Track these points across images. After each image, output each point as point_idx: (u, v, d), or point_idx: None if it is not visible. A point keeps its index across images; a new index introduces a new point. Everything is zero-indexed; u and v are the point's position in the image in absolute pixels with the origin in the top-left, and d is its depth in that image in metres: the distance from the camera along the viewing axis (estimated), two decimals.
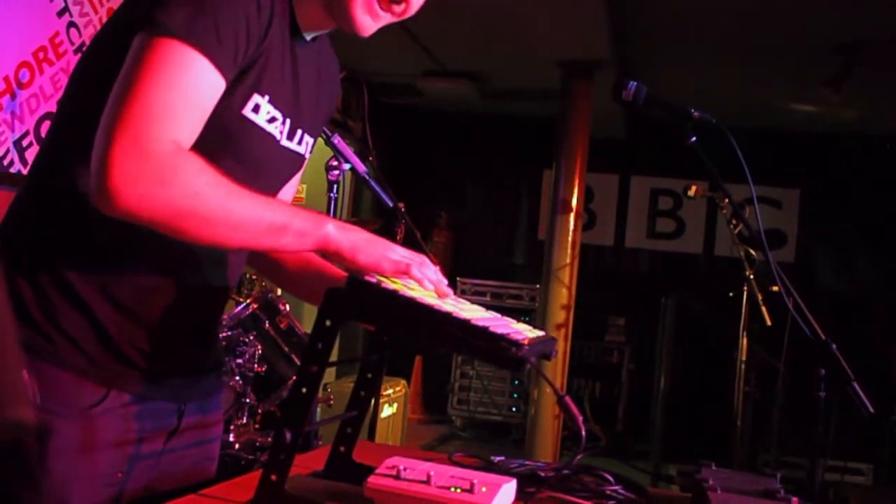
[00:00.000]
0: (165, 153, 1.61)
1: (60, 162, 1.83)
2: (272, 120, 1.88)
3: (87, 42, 5.64)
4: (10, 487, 1.75)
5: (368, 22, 1.92)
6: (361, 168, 4.12)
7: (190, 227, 1.66)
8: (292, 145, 2.00)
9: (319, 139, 3.39)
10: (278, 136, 1.92)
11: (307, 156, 2.11)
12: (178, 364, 1.96)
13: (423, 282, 1.82)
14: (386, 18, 1.93)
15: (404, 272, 1.81)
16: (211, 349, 2.12)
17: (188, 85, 1.65)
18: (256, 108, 1.82)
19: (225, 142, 1.80)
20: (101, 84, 1.72)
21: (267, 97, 1.84)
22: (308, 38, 1.98)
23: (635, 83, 2.61)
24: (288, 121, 1.94)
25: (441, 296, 1.85)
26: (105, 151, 1.58)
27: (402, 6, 1.92)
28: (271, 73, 1.83)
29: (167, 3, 1.65)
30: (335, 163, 4.10)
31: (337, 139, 3.61)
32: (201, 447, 2.09)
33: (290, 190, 2.29)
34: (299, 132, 2.00)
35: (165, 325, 1.88)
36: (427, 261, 1.88)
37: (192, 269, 1.91)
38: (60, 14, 5.44)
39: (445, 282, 1.89)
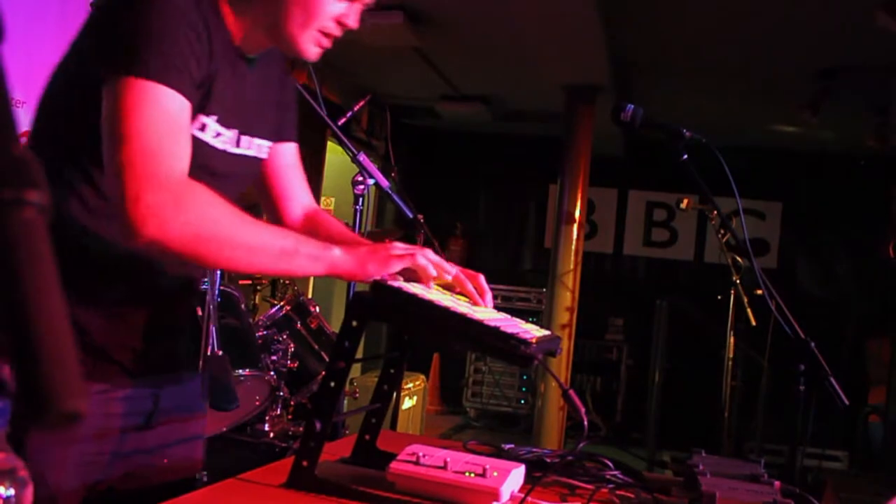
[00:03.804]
0: (177, 184, 1.62)
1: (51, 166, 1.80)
2: (217, 135, 1.85)
3: None
4: None
5: (315, 52, 1.92)
6: (384, 183, 4.12)
7: (210, 251, 1.66)
8: (243, 150, 1.96)
9: (346, 156, 3.40)
10: (227, 147, 1.89)
11: (263, 156, 2.07)
12: (149, 357, 1.91)
13: (426, 268, 1.82)
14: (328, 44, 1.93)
15: (410, 262, 1.80)
16: (179, 344, 2.07)
17: (169, 117, 1.64)
18: (203, 127, 1.79)
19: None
20: (72, 115, 1.75)
21: (214, 117, 1.82)
22: (251, 57, 1.96)
23: (632, 106, 2.60)
24: (235, 131, 1.91)
25: (443, 272, 1.86)
26: (122, 195, 1.58)
27: (341, 30, 1.92)
28: (218, 95, 1.81)
29: (130, 50, 1.64)
30: (360, 178, 4.09)
31: (362, 157, 3.60)
32: (185, 444, 2.06)
33: (304, 194, 2.26)
34: (246, 138, 1.96)
35: (135, 323, 1.86)
36: (425, 249, 1.86)
37: (159, 277, 1.89)
38: None
39: (446, 264, 1.89)
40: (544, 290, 8.80)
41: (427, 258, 1.83)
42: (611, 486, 1.87)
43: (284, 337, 4.35)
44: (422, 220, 4.17)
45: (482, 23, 7.03)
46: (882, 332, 8.54)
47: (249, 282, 5.17)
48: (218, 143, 1.86)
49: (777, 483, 1.77)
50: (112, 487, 1.87)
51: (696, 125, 2.49)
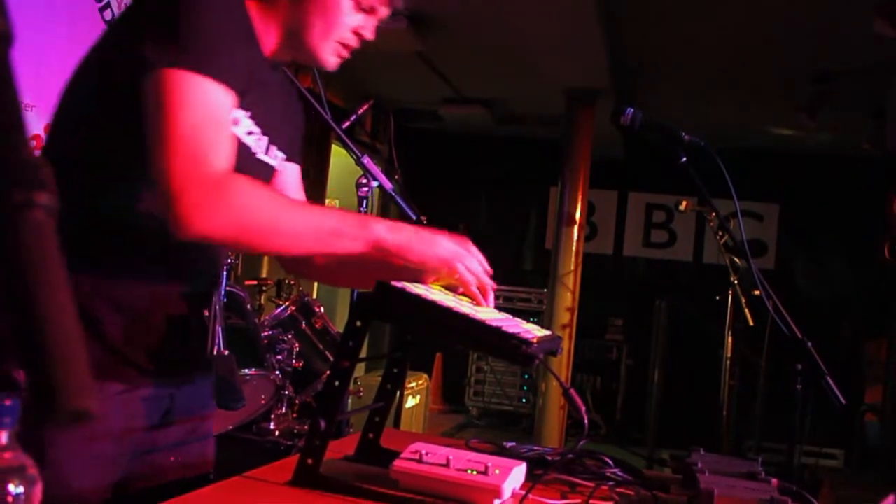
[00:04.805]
0: (220, 177, 1.62)
1: (65, 176, 1.77)
2: (250, 133, 1.87)
3: None
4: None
5: (335, 61, 1.95)
6: (388, 185, 4.11)
7: (256, 240, 1.69)
8: (266, 158, 1.98)
9: (350, 159, 3.40)
10: (254, 149, 1.91)
11: (278, 167, 2.08)
12: (168, 357, 1.89)
13: (467, 281, 1.83)
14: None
15: (450, 269, 1.82)
16: (194, 345, 2.02)
17: (214, 110, 1.64)
18: (236, 122, 1.79)
19: None
20: (107, 108, 1.73)
21: (248, 113, 1.83)
22: (275, 65, 1.98)
23: (632, 109, 2.60)
24: (265, 137, 1.93)
25: (482, 289, 1.87)
26: (168, 186, 1.57)
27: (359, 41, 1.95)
28: (252, 93, 1.82)
29: (177, 41, 1.62)
30: (364, 180, 4.09)
31: (366, 159, 3.60)
32: (198, 442, 2.05)
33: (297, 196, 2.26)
34: (273, 147, 1.99)
35: (153, 324, 1.84)
36: (472, 250, 1.88)
37: (177, 277, 1.88)
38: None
39: (489, 272, 1.90)
40: (545, 290, 8.80)
41: (469, 266, 1.85)
42: (611, 483, 1.87)
43: (289, 337, 4.35)
44: (425, 222, 4.17)
45: (484, 28, 7.03)
46: (879, 333, 8.54)
47: (255, 282, 5.18)
48: (249, 142, 1.88)
49: (775, 481, 1.76)
50: (130, 486, 1.86)
51: (695, 128, 2.50)
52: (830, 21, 6.14)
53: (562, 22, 6.36)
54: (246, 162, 1.87)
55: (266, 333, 4.29)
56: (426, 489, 1.64)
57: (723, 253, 5.63)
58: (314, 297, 4.73)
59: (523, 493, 1.64)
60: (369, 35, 1.95)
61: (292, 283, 5.06)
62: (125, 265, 1.79)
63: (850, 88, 7.30)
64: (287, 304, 4.58)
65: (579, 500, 1.75)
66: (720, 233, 5.58)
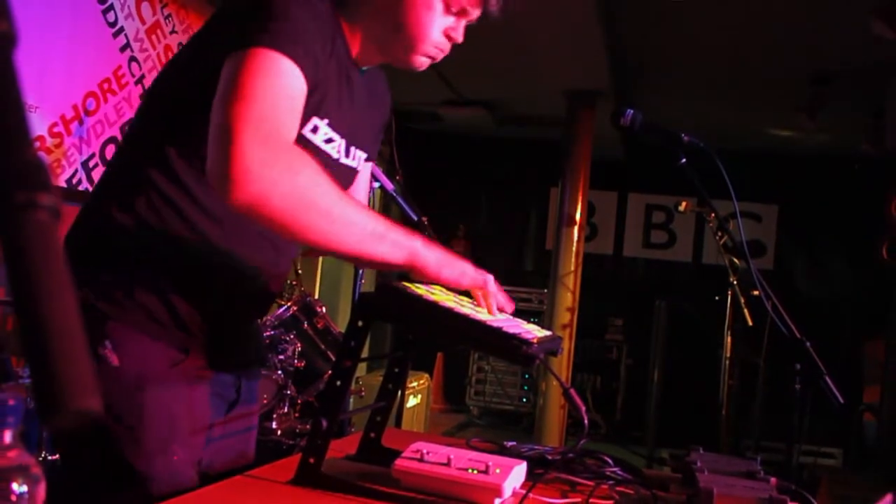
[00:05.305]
0: (287, 146, 1.58)
1: (138, 168, 1.80)
2: (329, 140, 1.86)
3: (147, 74, 5.68)
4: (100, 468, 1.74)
5: (426, 63, 1.96)
6: (389, 186, 4.11)
7: (307, 220, 1.58)
8: (347, 161, 1.98)
9: None
10: (335, 155, 1.90)
11: (359, 167, 2.08)
12: (234, 346, 1.96)
13: (490, 298, 1.82)
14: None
15: (482, 287, 1.81)
16: (256, 339, 2.13)
17: (288, 89, 1.61)
18: (315, 130, 1.80)
19: None
20: (183, 99, 1.74)
21: (326, 121, 1.82)
22: (363, 69, 1.98)
23: (632, 111, 2.60)
24: (344, 141, 1.92)
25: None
26: (227, 148, 1.50)
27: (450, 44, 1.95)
28: (330, 99, 1.81)
29: (260, 20, 1.63)
30: None
31: None
32: (247, 434, 2.08)
33: (362, 195, 2.28)
34: (353, 149, 1.98)
35: (224, 314, 1.89)
36: (492, 282, 1.85)
37: (250, 267, 1.90)
38: (123, 49, 5.47)
39: (511, 306, 1.89)
40: (545, 290, 8.81)
41: (494, 290, 1.83)
42: (610, 482, 1.87)
43: (291, 337, 4.35)
44: (426, 222, 4.17)
45: (484, 29, 7.02)
46: (877, 333, 8.53)
47: None
48: (329, 149, 1.87)
49: (773, 479, 1.77)
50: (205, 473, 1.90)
51: (695, 129, 2.50)
52: (830, 22, 6.14)
53: (562, 23, 6.36)
54: (327, 170, 1.87)
55: (268, 333, 4.29)
56: (427, 488, 1.64)
57: (722, 253, 5.63)
58: (316, 297, 4.73)
59: (524, 491, 1.64)
60: (459, 38, 1.94)
61: (294, 283, 5.06)
62: (193, 256, 1.82)
63: (850, 89, 7.31)
64: (289, 304, 4.58)
65: (579, 499, 1.75)
66: (719, 233, 5.57)
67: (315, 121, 1.79)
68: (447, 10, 1.88)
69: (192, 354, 1.81)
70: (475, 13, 1.94)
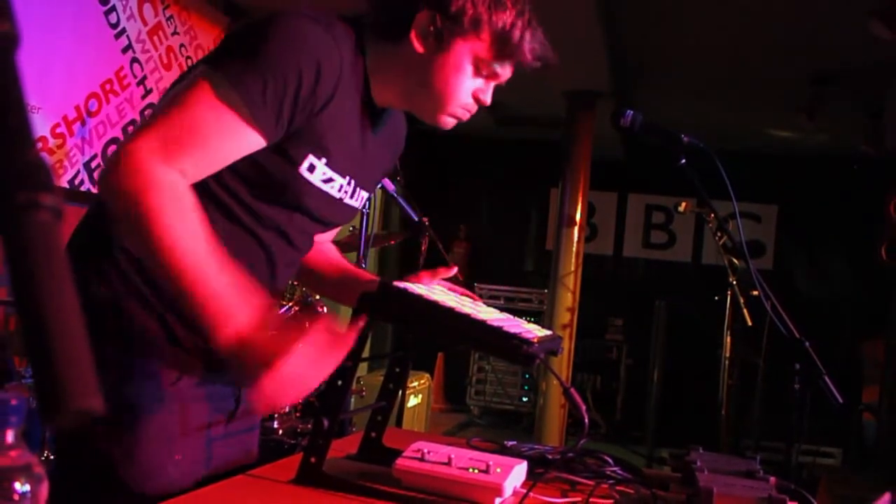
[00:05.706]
0: (173, 168, 1.55)
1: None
2: (328, 180, 1.80)
3: (149, 75, 5.68)
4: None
5: (451, 123, 1.90)
6: (390, 187, 4.12)
7: (137, 231, 1.51)
8: (351, 202, 1.93)
9: None
10: (337, 195, 1.85)
11: (360, 207, 2.03)
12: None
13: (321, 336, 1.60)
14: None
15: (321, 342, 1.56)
16: None
17: (222, 128, 1.58)
18: (311, 168, 1.74)
19: (288, 195, 1.76)
20: None
21: (324, 160, 1.76)
22: (381, 109, 1.91)
23: (632, 112, 2.60)
24: (352, 181, 1.87)
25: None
26: (130, 139, 1.53)
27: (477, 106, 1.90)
28: (333, 137, 1.75)
29: (231, 50, 1.62)
30: None
31: None
32: (249, 434, 2.07)
33: (331, 234, 2.26)
34: (358, 190, 1.93)
35: None
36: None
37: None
38: (125, 51, 5.47)
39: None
40: (546, 291, 8.81)
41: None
42: (610, 481, 1.87)
43: None
44: (426, 223, 4.18)
45: None
46: (876, 333, 8.53)
47: None
48: (328, 189, 1.82)
49: (773, 479, 1.77)
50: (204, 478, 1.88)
51: (694, 129, 2.50)
52: (830, 22, 6.14)
53: (562, 23, 6.35)
54: (326, 208, 1.85)
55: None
56: (428, 487, 1.64)
57: (722, 254, 5.63)
58: (317, 297, 4.72)
59: (524, 491, 1.64)
60: (487, 101, 1.89)
61: (295, 283, 5.05)
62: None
63: (849, 89, 7.31)
64: (290, 304, 4.58)
65: (580, 499, 1.75)
66: (719, 234, 5.58)
67: (311, 159, 1.74)
68: (477, 72, 1.84)
69: (188, 373, 1.78)
70: (506, 76, 1.91)
